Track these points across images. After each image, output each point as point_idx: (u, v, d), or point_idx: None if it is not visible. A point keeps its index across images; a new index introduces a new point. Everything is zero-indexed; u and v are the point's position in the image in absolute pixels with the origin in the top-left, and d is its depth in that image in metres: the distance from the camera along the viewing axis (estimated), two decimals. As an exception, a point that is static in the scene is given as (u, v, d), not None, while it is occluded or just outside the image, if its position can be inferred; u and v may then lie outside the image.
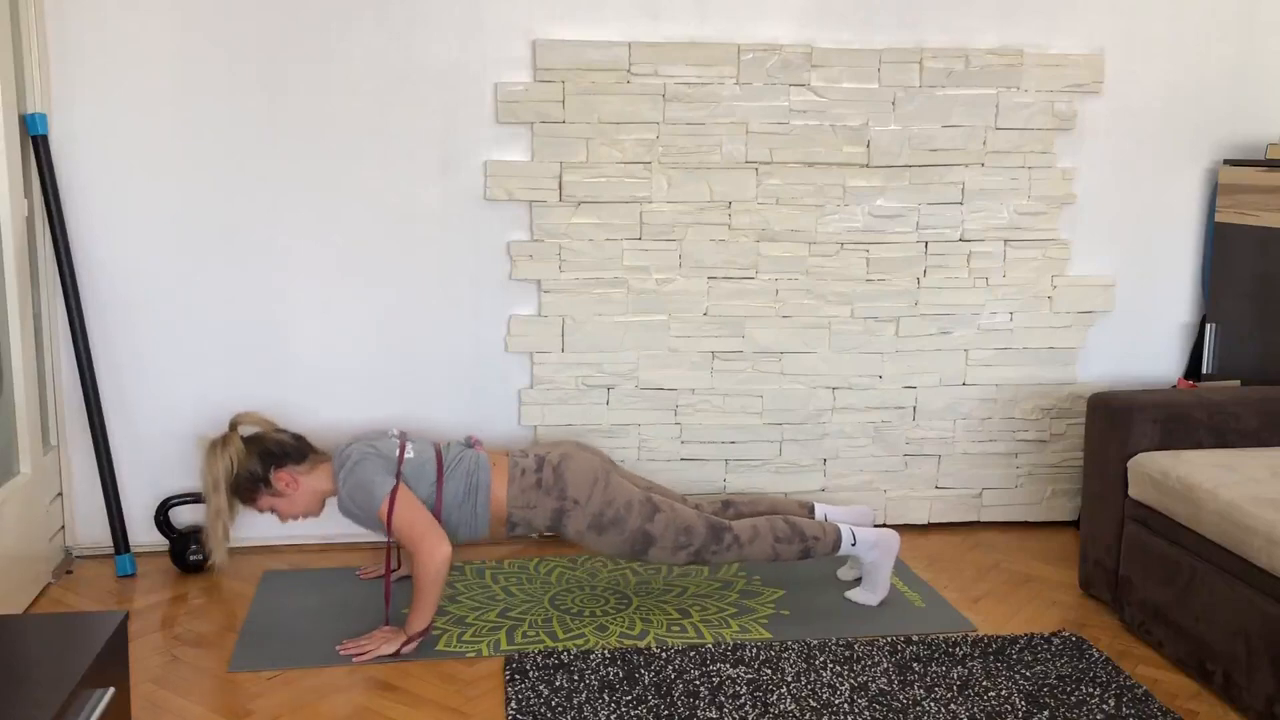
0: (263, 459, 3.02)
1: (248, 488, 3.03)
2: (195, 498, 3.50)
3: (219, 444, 3.02)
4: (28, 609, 3.15)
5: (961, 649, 2.96)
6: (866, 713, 2.63)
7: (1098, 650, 2.95)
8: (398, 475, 2.96)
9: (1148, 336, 3.94)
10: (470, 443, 3.17)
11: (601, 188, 3.55)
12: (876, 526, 3.35)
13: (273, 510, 3.07)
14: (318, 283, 3.53)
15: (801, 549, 3.14)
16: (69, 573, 3.42)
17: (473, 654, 2.92)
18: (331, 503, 3.10)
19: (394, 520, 2.89)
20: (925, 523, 3.90)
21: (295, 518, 3.10)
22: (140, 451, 3.52)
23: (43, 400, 3.38)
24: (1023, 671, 2.84)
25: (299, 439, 3.13)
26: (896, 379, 3.79)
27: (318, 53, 3.42)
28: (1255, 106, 3.88)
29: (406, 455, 3.01)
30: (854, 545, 3.18)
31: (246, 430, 3.10)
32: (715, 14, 3.56)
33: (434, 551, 2.86)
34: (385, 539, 2.99)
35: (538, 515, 3.06)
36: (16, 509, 3.11)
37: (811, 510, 3.35)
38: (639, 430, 3.70)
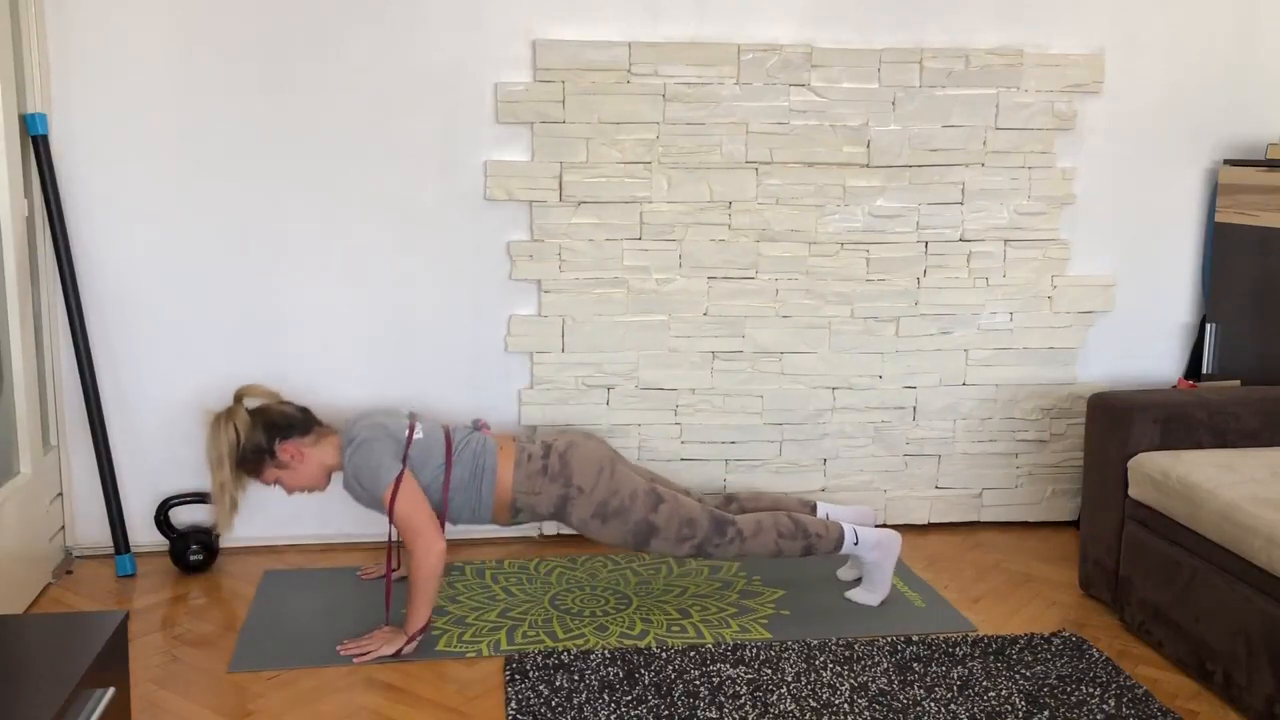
0: (267, 431, 3.02)
1: (253, 460, 3.02)
2: (195, 498, 3.50)
3: (223, 417, 3.01)
4: (28, 609, 3.15)
5: (961, 649, 2.96)
6: (866, 713, 2.63)
7: (1098, 650, 2.95)
8: (404, 459, 2.96)
9: (1148, 336, 3.94)
10: (478, 425, 3.18)
11: (601, 188, 3.55)
12: (878, 527, 3.35)
13: (278, 483, 3.07)
14: (318, 282, 3.53)
15: (804, 545, 3.14)
16: (69, 573, 3.42)
17: (473, 654, 2.92)
18: (337, 478, 3.09)
19: (395, 508, 2.90)
20: (925, 523, 3.90)
21: (300, 490, 3.09)
22: (140, 451, 3.53)
23: (43, 400, 3.38)
24: (1023, 671, 2.84)
25: (304, 411, 3.12)
26: (896, 379, 3.79)
27: (318, 52, 3.42)
28: (1255, 106, 3.88)
29: (415, 436, 3.02)
30: (856, 544, 3.18)
31: (251, 402, 3.10)
32: (715, 14, 3.56)
33: (430, 547, 2.87)
34: (384, 520, 2.99)
35: (542, 502, 3.06)
36: (16, 509, 3.11)
37: (814, 509, 3.35)
38: (639, 430, 3.70)
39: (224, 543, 3.56)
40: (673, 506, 3.08)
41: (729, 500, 3.34)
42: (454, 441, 3.06)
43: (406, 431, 3.02)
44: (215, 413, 3.05)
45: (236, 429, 2.99)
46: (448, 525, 3.07)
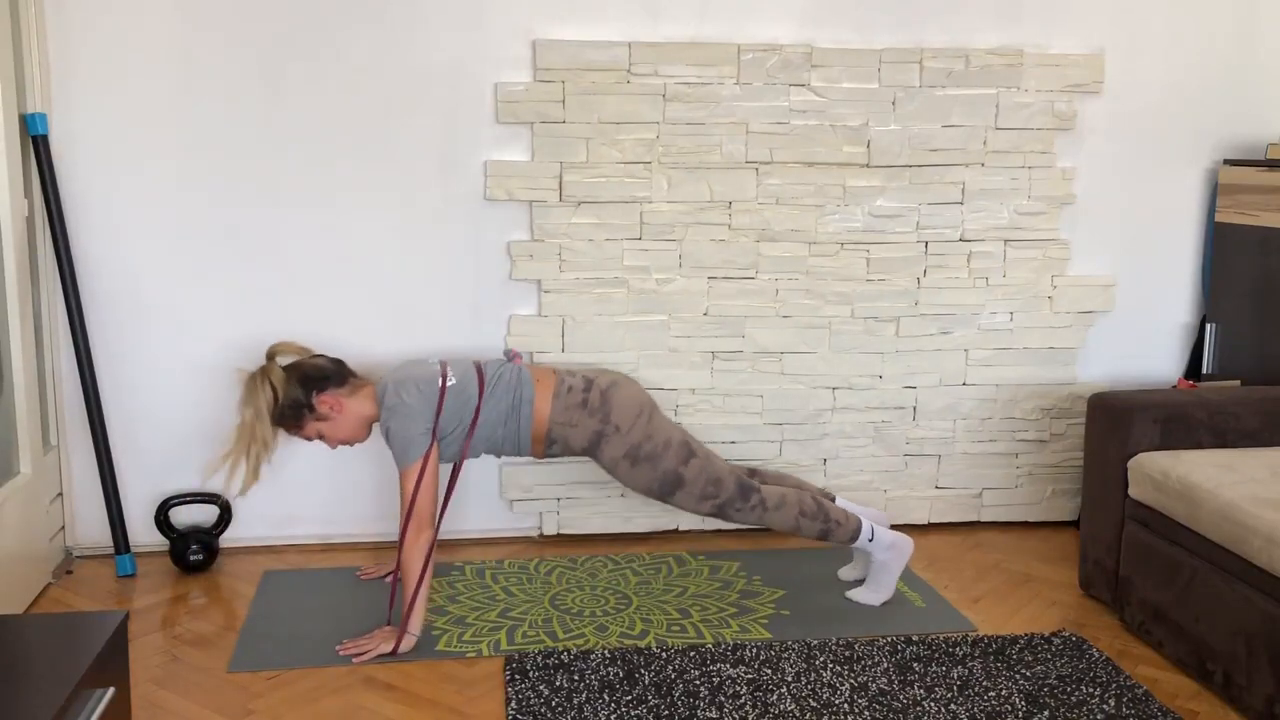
0: (304, 384, 3.04)
1: (292, 416, 3.05)
2: (195, 498, 3.50)
3: (258, 375, 3.03)
4: (28, 609, 3.15)
5: (961, 649, 2.96)
6: (866, 713, 2.63)
7: (1098, 650, 2.95)
8: (435, 427, 2.97)
9: (1148, 336, 3.94)
10: (510, 356, 3.21)
11: (601, 188, 3.55)
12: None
13: (320, 437, 3.10)
14: (317, 282, 3.53)
15: (822, 529, 3.15)
16: (69, 573, 3.42)
17: (473, 654, 2.92)
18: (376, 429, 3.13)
19: (418, 490, 2.91)
20: (925, 523, 3.90)
21: (343, 443, 3.12)
22: (140, 451, 3.52)
23: (43, 400, 3.38)
24: (1023, 671, 2.84)
25: (338, 363, 3.15)
26: (896, 379, 3.79)
27: (318, 52, 3.42)
28: (1255, 106, 3.88)
29: (449, 384, 3.03)
30: (871, 540, 3.19)
31: (284, 359, 3.12)
32: (715, 14, 3.56)
33: (419, 531, 2.91)
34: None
35: (577, 435, 3.09)
36: (16, 509, 3.11)
37: (833, 499, 3.36)
38: (639, 430, 3.70)
39: (224, 543, 3.56)
40: (703, 463, 3.11)
41: (752, 474, 3.35)
42: (486, 376, 3.09)
43: (439, 381, 3.03)
44: (249, 372, 3.07)
45: (273, 385, 3.01)
46: (448, 513, 3.08)
